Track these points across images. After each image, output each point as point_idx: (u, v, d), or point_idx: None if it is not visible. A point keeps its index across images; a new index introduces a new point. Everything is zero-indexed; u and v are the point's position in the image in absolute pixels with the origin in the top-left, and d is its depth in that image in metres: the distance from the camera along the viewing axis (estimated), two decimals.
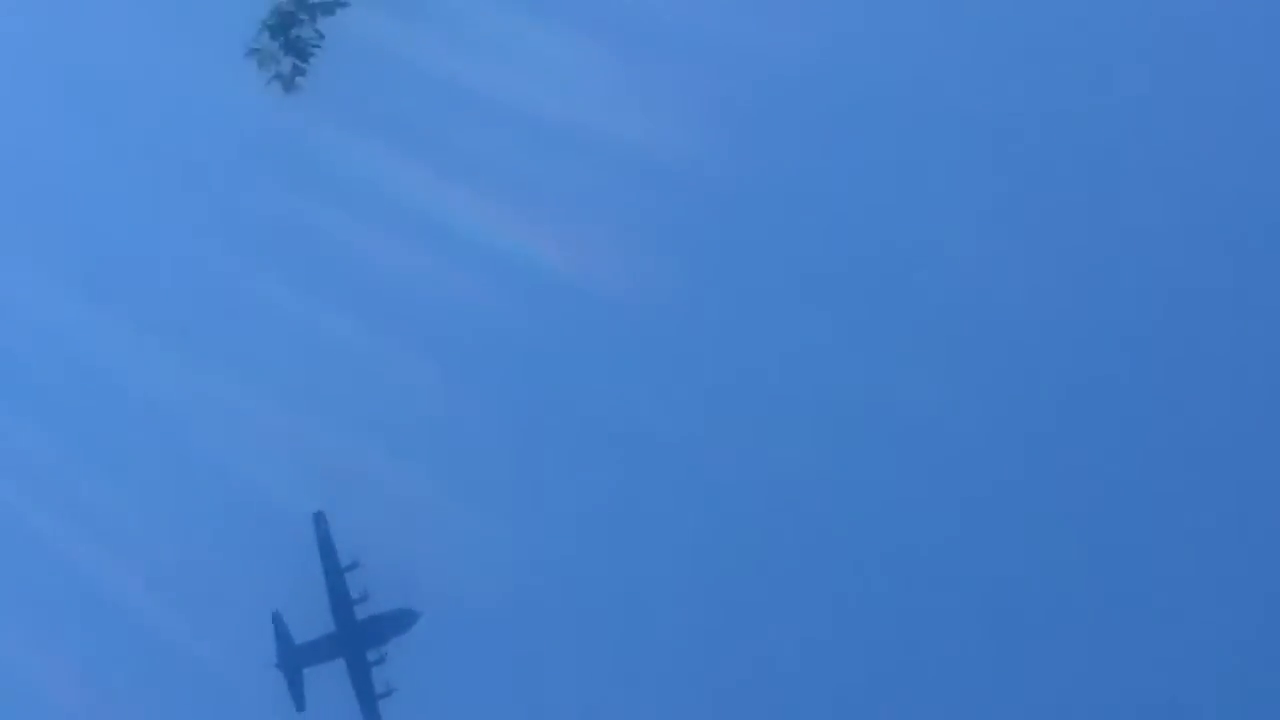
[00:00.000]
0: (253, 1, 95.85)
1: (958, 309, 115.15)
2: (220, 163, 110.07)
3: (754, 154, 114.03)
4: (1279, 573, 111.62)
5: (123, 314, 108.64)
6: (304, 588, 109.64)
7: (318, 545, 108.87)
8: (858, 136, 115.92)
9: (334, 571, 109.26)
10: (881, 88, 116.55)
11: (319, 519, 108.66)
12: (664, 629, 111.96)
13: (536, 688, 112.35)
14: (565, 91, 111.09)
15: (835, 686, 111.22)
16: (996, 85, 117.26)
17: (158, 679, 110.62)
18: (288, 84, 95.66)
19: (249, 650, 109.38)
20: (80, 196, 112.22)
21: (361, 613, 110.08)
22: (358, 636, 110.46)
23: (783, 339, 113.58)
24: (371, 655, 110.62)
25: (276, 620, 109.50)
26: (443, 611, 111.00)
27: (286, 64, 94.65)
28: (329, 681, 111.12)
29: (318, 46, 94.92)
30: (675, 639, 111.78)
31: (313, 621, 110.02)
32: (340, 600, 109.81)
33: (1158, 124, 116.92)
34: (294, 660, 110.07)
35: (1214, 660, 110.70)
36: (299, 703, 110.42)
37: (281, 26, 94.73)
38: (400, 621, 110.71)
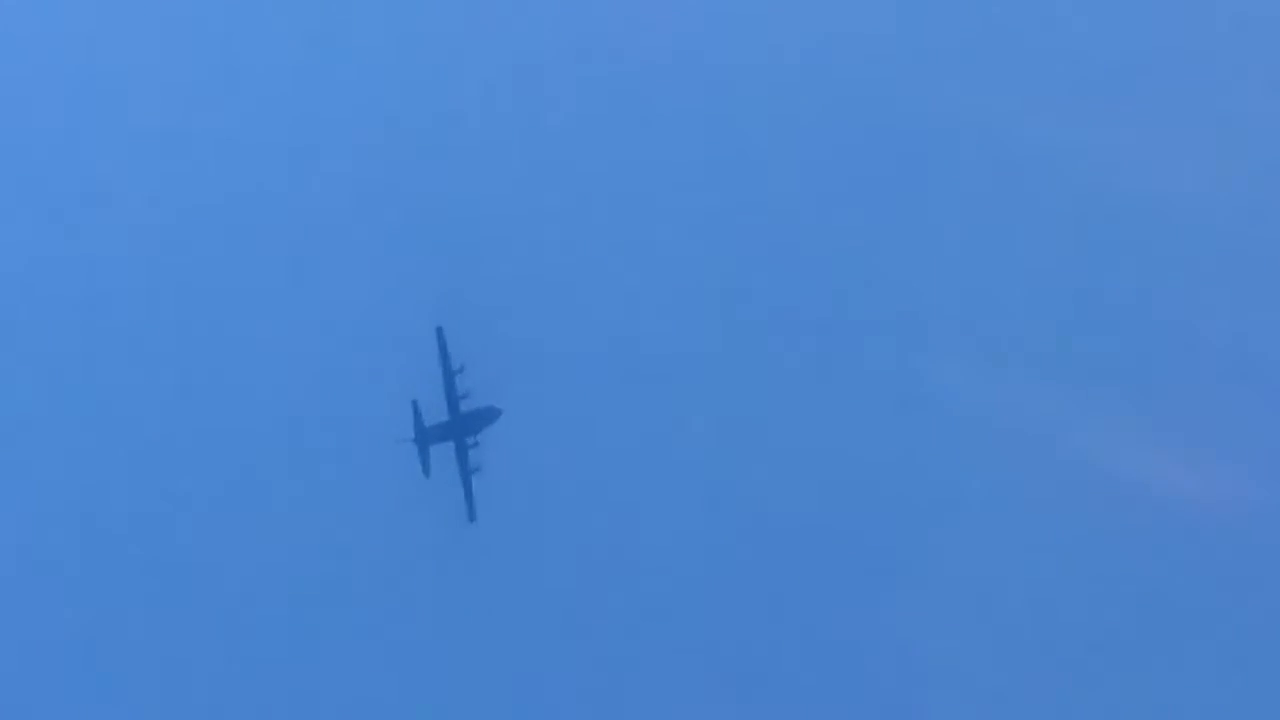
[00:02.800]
0: None
1: None
2: None
3: None
4: None
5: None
6: (426, 385, 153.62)
7: (439, 352, 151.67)
8: None
9: (449, 374, 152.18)
10: None
11: (440, 332, 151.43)
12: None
13: (588, 474, 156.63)
14: None
15: None
16: None
17: (321, 453, 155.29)
18: None
19: (387, 431, 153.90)
20: None
21: (464, 407, 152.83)
22: (461, 425, 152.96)
23: None
24: (469, 440, 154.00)
25: (415, 407, 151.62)
26: (520, 412, 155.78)
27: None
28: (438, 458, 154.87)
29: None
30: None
31: (431, 411, 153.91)
32: (452, 396, 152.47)
33: None
34: (424, 438, 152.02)
35: None
36: (426, 470, 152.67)
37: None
38: (489, 415, 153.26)
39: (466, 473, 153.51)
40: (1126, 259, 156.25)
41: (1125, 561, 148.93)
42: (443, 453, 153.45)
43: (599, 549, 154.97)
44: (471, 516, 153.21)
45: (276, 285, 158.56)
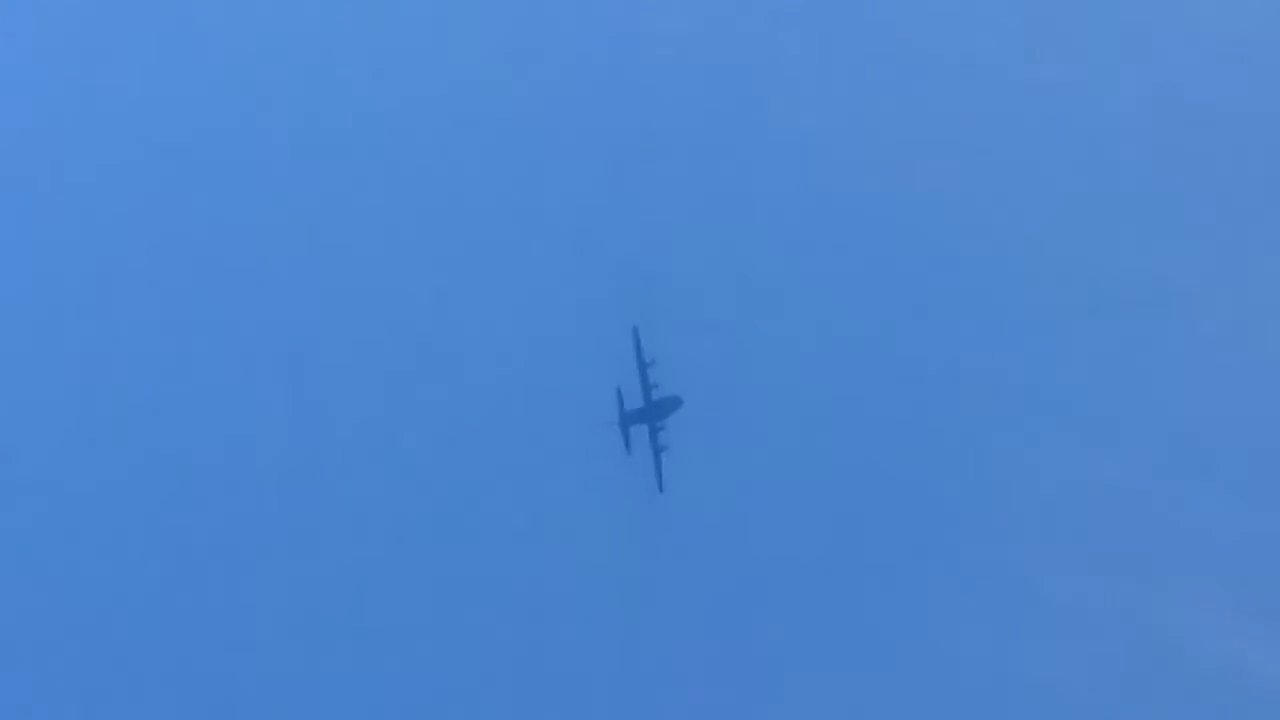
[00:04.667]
0: None
1: None
2: None
3: None
4: None
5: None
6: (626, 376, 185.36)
7: (635, 348, 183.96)
8: None
9: (643, 367, 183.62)
10: None
11: (635, 331, 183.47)
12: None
13: (758, 454, 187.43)
14: None
15: None
16: None
17: (543, 431, 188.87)
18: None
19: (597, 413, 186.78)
20: None
21: (655, 395, 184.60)
22: (652, 410, 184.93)
23: None
24: (658, 424, 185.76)
25: (618, 394, 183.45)
26: (699, 400, 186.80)
27: None
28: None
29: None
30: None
31: (630, 398, 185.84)
32: (646, 386, 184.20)
33: None
34: (625, 421, 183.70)
35: None
36: (628, 448, 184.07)
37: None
38: (674, 403, 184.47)
39: (657, 450, 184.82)
40: None
41: None
42: (637, 433, 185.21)
43: (765, 519, 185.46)
44: (661, 487, 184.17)
45: (513, 300, 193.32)
